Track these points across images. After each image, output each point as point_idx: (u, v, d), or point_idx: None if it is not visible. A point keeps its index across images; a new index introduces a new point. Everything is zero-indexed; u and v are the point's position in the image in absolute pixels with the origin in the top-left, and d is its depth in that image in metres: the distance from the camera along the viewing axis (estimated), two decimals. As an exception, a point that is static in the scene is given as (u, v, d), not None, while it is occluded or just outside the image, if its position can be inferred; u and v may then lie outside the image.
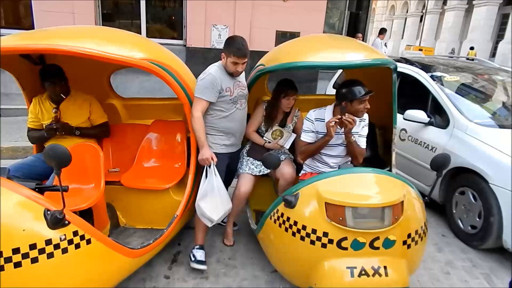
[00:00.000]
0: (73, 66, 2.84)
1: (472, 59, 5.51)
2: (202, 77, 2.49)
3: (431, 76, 3.83)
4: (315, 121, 2.57)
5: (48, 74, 2.63)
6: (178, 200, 2.76)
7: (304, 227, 1.97)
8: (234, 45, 2.43)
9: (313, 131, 2.57)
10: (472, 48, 17.30)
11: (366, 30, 9.13)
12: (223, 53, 2.50)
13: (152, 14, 6.99)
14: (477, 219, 3.10)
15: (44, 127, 2.75)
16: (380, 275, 1.86)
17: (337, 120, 2.37)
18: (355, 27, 8.86)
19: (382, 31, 9.46)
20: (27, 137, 2.90)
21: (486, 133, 3.18)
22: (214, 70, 2.52)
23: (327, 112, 2.56)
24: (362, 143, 2.59)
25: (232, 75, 2.55)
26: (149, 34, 6.91)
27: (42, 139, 2.77)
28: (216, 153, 2.56)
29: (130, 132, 3.29)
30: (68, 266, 1.73)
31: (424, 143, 3.61)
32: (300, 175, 2.83)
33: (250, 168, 2.90)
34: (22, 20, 6.45)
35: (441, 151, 3.37)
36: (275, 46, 7.08)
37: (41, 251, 1.63)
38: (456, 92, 3.80)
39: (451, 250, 3.13)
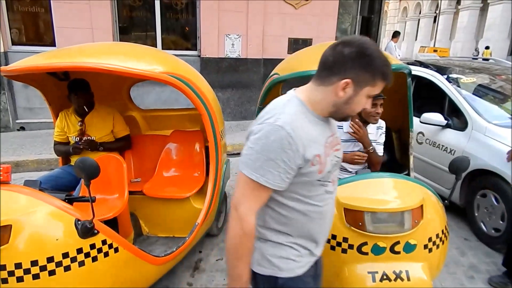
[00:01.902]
0: (95, 80, 2.95)
1: (488, 59, 5.44)
2: (258, 133, 1.13)
3: (447, 78, 3.81)
4: None
5: (76, 87, 2.76)
6: (199, 208, 2.82)
7: (324, 233, 1.99)
8: (380, 61, 1.12)
9: None
10: (487, 48, 17.00)
11: (379, 33, 9.09)
12: (348, 79, 1.12)
13: (167, 26, 7.16)
14: (500, 222, 3.05)
15: (69, 139, 2.89)
16: (402, 279, 1.86)
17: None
18: (368, 31, 8.83)
19: (396, 34, 9.41)
20: (52, 150, 3.04)
21: (506, 134, 3.14)
22: (288, 117, 1.13)
23: None
24: (380, 150, 2.61)
25: (344, 119, 1.27)
26: (164, 46, 7.07)
27: (68, 154, 2.89)
28: (288, 278, 1.26)
29: (150, 142, 3.39)
30: (98, 273, 1.80)
31: (442, 146, 3.59)
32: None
33: None
34: (44, 36, 6.71)
35: (460, 153, 3.34)
36: (288, 53, 7.21)
37: (73, 259, 1.70)
38: (473, 94, 3.77)
39: (475, 254, 3.08)
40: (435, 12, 27.37)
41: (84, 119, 2.86)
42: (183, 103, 3.27)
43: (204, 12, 6.90)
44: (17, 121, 6.56)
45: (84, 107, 2.82)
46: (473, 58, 6.68)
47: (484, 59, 6.07)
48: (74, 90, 2.75)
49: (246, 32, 7.17)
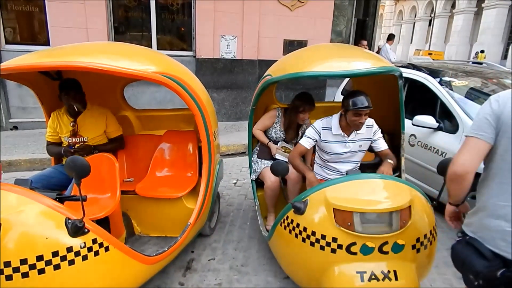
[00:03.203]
0: (89, 80, 2.96)
1: (481, 63, 5.50)
2: None
3: (440, 81, 3.85)
4: (322, 130, 2.66)
5: (66, 86, 2.75)
6: (191, 208, 2.83)
7: (313, 233, 2.01)
8: None
9: (313, 139, 2.69)
10: (482, 51, 17.20)
11: (374, 36, 9.15)
12: None
13: (162, 26, 7.16)
14: (489, 223, 3.08)
15: (62, 139, 2.88)
16: (390, 279, 1.88)
17: None
18: (362, 33, 8.89)
19: (391, 37, 9.47)
20: (45, 149, 3.03)
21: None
22: None
23: (334, 121, 2.64)
24: (382, 145, 2.70)
25: None
26: (160, 46, 7.07)
27: (60, 155, 2.89)
28: None
29: (143, 142, 3.39)
30: (88, 272, 1.80)
31: (434, 148, 3.62)
32: (309, 182, 2.88)
33: (266, 163, 3.14)
34: (38, 36, 6.67)
35: (451, 156, 3.36)
36: (283, 54, 7.24)
37: (63, 258, 1.70)
38: (465, 97, 3.80)
39: (464, 255, 3.11)
40: (430, 16, 27.59)
41: (76, 120, 2.85)
42: (177, 103, 3.28)
43: (200, 13, 6.91)
44: (10, 120, 6.52)
45: (75, 107, 2.79)
46: (473, 62, 6.69)
47: (477, 63, 6.13)
48: (65, 89, 2.73)
49: (241, 33, 7.20)
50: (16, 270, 1.61)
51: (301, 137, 3.23)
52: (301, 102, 3.12)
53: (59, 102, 2.87)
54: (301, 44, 7.47)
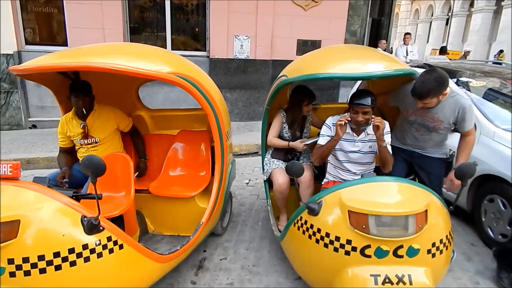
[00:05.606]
0: (105, 80, 3.00)
1: (500, 63, 5.36)
2: None
3: (456, 82, 3.77)
4: (332, 126, 2.67)
5: (76, 89, 2.76)
6: (204, 207, 2.84)
7: (327, 235, 2.00)
8: None
9: (329, 136, 2.68)
10: (501, 51, 16.84)
11: (389, 36, 9.03)
12: None
13: (177, 27, 7.21)
14: (508, 227, 3.01)
15: (74, 142, 2.93)
16: (404, 283, 1.85)
17: (346, 121, 2.47)
18: (377, 33, 8.78)
19: (405, 35, 9.30)
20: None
21: (515, 139, 3.09)
22: None
23: None
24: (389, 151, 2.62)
25: None
26: (174, 46, 7.14)
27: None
28: None
29: (157, 142, 3.43)
30: (102, 269, 1.83)
31: (450, 150, 3.54)
32: (323, 183, 2.87)
33: (277, 164, 3.12)
34: (56, 36, 6.82)
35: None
36: (297, 55, 7.21)
37: (79, 255, 1.74)
38: (483, 98, 3.72)
39: (481, 260, 3.04)
40: (448, 15, 27.05)
41: (85, 121, 2.86)
42: (191, 103, 3.30)
43: (214, 13, 6.94)
44: (29, 119, 6.69)
45: (83, 109, 2.81)
46: (493, 62, 6.52)
47: (497, 63, 6.00)
48: (75, 91, 2.74)
49: (255, 33, 7.20)
50: (34, 266, 1.65)
51: (308, 131, 3.29)
52: (302, 95, 3.14)
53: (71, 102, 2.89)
54: (315, 44, 7.42)
